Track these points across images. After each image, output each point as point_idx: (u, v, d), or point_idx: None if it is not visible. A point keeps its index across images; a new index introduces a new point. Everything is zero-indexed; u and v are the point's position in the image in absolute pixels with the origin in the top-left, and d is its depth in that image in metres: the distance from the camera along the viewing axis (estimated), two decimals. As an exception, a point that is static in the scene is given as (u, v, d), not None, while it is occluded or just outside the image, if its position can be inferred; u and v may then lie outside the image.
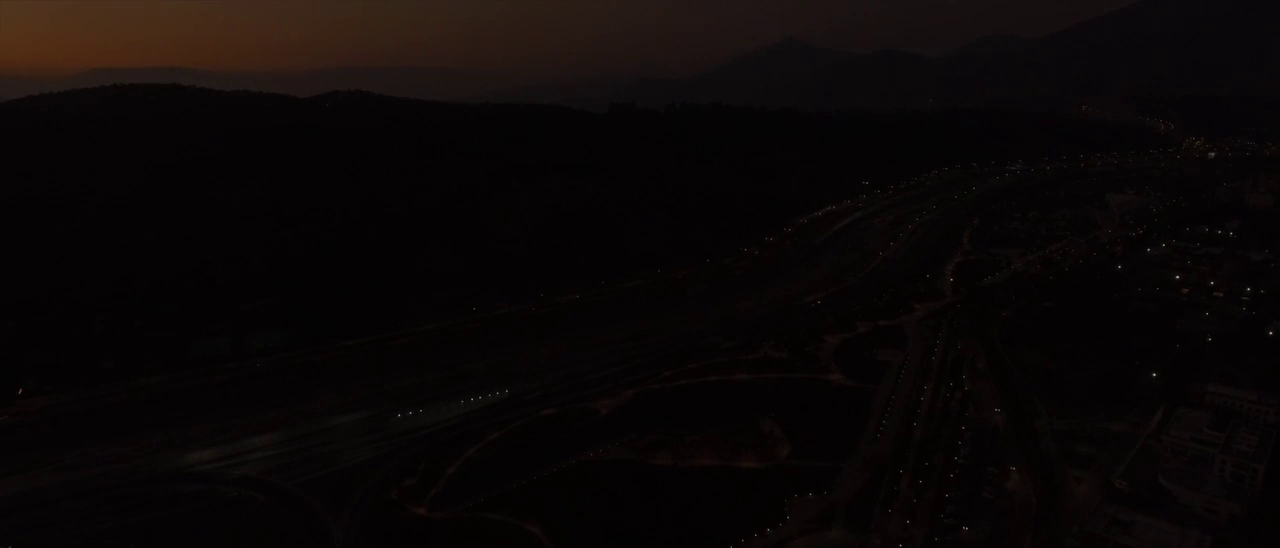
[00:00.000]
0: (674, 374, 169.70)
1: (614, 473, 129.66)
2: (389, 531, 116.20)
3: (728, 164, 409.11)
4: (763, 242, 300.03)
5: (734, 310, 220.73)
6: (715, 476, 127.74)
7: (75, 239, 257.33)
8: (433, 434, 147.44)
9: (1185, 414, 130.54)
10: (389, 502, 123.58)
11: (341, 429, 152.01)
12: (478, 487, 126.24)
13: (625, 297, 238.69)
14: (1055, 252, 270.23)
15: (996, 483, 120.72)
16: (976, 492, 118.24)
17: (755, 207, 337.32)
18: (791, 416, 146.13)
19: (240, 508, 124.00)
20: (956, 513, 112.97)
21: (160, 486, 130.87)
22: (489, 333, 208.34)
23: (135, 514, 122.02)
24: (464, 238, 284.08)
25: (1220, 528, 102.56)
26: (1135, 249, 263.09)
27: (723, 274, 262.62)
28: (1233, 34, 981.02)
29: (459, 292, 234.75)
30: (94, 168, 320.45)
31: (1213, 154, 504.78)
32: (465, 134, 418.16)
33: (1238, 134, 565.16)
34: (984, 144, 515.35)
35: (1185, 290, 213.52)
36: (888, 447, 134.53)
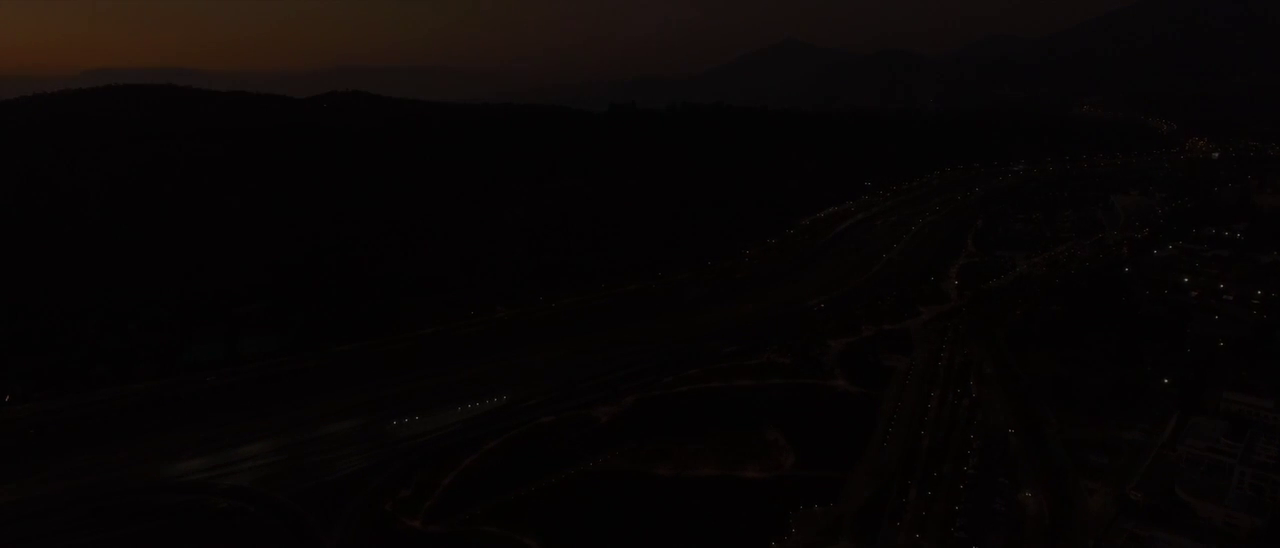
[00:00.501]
0: (675, 380, 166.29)
1: (614, 483, 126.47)
2: (383, 545, 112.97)
3: (729, 165, 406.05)
4: (764, 244, 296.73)
5: (736, 314, 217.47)
6: (717, 486, 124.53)
7: (69, 241, 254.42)
8: (429, 443, 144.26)
9: (1200, 422, 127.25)
10: (383, 514, 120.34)
11: (336, 437, 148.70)
12: (474, 498, 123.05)
13: (625, 300, 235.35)
14: (1060, 253, 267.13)
15: (1007, 494, 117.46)
16: (987, 504, 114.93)
17: (756, 208, 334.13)
18: (796, 423, 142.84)
19: (230, 520, 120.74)
20: (967, 526, 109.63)
21: (149, 496, 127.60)
22: (487, 337, 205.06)
23: (123, 527, 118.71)
24: (462, 240, 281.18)
25: (1241, 543, 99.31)
26: (1141, 251, 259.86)
27: (724, 277, 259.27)
28: (1234, 33, 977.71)
29: (456, 295, 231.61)
30: (89, 170, 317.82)
31: (1217, 154, 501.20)
32: (464, 134, 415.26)
33: (1241, 134, 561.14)
34: (986, 144, 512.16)
35: (1194, 293, 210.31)
36: (895, 456, 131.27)
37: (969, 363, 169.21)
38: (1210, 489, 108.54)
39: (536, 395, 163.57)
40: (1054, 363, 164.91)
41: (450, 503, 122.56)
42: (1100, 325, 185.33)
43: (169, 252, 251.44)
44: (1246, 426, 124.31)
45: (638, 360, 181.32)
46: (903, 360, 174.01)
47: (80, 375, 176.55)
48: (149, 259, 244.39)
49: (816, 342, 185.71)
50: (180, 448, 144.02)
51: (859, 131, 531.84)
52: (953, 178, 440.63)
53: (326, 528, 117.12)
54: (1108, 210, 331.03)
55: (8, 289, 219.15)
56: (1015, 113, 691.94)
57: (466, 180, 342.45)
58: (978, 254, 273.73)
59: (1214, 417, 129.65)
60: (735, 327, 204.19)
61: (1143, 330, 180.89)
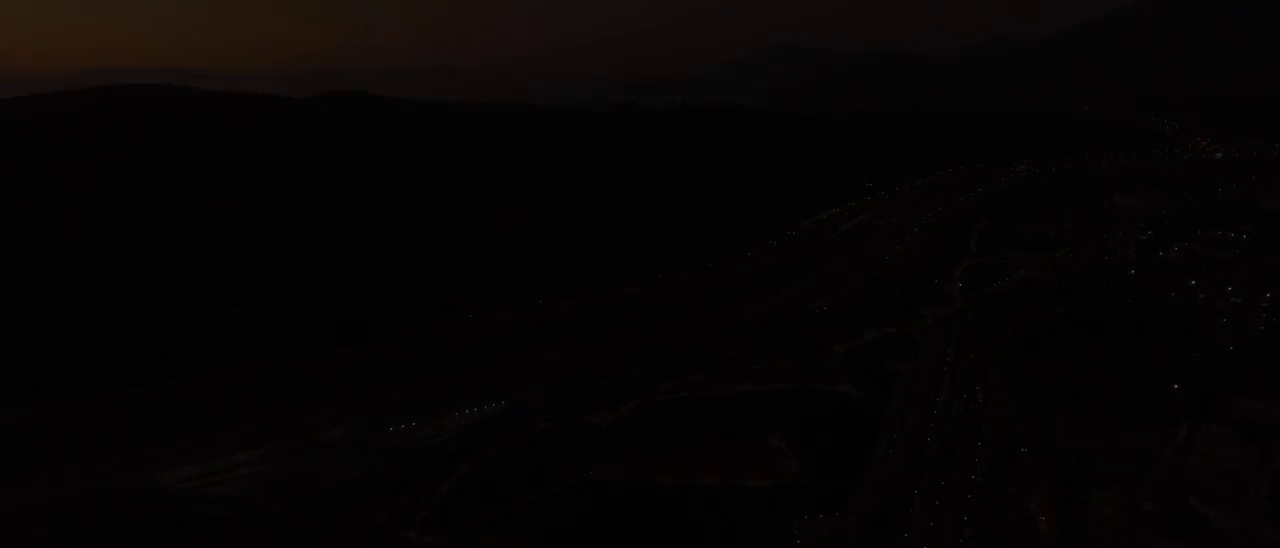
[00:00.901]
0: (676, 385, 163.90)
1: (614, 493, 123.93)
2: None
3: (729, 166, 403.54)
4: (766, 245, 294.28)
5: (737, 317, 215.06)
6: (720, 495, 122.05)
7: (64, 242, 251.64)
8: (425, 450, 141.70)
9: (1212, 429, 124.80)
10: (378, 524, 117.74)
11: (331, 443, 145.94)
12: (472, 508, 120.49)
13: (626, 302, 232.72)
14: (1064, 255, 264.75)
15: (1016, 504, 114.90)
16: (996, 514, 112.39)
17: (757, 209, 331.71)
18: (799, 430, 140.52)
19: (221, 531, 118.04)
20: (975, 538, 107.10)
21: (137, 507, 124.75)
22: (486, 341, 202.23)
23: (110, 538, 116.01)
24: (461, 242, 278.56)
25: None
26: (1146, 253, 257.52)
27: (725, 279, 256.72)
28: (1237, 33, 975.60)
29: (456, 298, 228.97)
30: (85, 170, 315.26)
31: (1220, 155, 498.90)
32: (464, 134, 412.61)
33: (1245, 134, 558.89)
34: (988, 145, 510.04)
35: (1201, 296, 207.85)
36: (900, 464, 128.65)
37: (975, 368, 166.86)
38: (1226, 500, 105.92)
39: (535, 401, 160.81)
40: (1061, 367, 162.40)
41: (447, 513, 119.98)
42: (1107, 329, 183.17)
43: (164, 253, 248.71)
44: (1261, 432, 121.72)
45: (638, 365, 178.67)
46: (907, 365, 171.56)
47: (70, 379, 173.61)
48: (143, 261, 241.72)
49: (820, 345, 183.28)
50: (172, 455, 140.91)
51: (859, 132, 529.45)
52: (955, 178, 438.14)
53: (320, 539, 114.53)
54: (1111, 212, 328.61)
55: (2, 291, 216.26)
56: (1017, 113, 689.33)
57: (466, 181, 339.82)
58: (981, 256, 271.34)
59: (1226, 423, 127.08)
60: (737, 330, 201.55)
61: (1150, 334, 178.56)
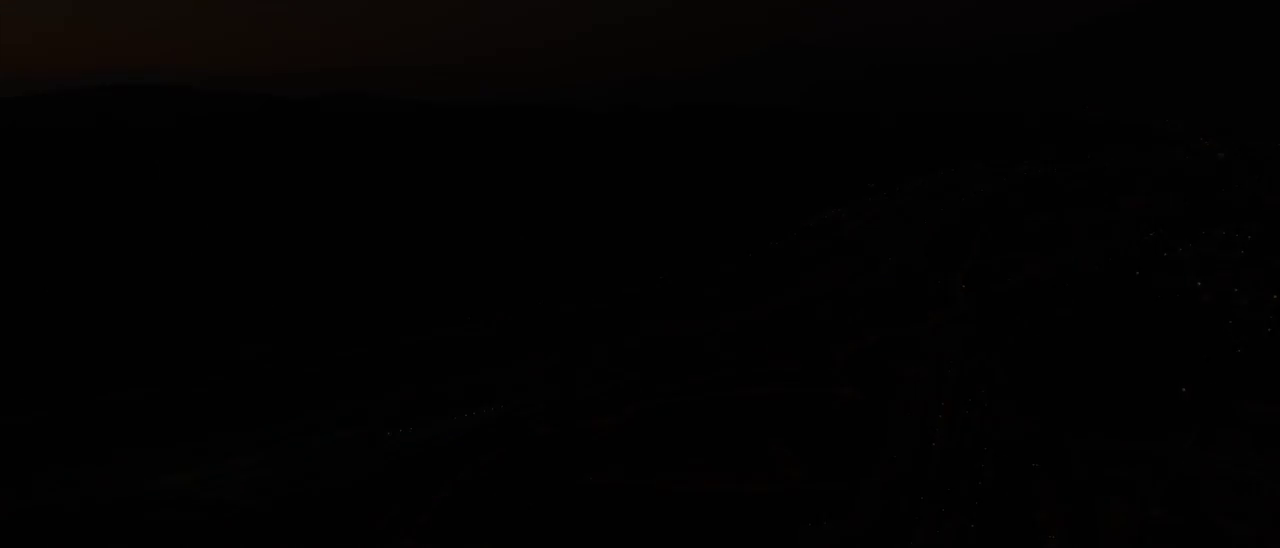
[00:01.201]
0: (676, 389, 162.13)
1: (613, 498, 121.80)
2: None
3: (730, 166, 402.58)
4: (767, 247, 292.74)
5: (738, 319, 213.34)
6: (722, 501, 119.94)
7: (59, 243, 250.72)
8: (424, 455, 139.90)
9: (1222, 434, 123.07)
10: (375, 530, 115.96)
11: (329, 448, 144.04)
12: (470, 514, 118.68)
13: (625, 305, 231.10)
14: (1068, 256, 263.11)
15: (1023, 511, 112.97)
16: (1003, 521, 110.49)
17: (759, 210, 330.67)
18: (802, 434, 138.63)
19: (216, 536, 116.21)
20: (982, 545, 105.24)
21: (130, 512, 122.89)
22: (484, 344, 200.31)
23: (102, 543, 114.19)
24: (461, 242, 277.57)
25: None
26: (1150, 253, 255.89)
27: (726, 281, 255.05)
28: (1240, 34, 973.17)
29: (455, 299, 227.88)
30: (82, 169, 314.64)
31: (1222, 155, 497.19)
32: (463, 134, 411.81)
33: (1248, 134, 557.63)
34: (990, 145, 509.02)
35: (1207, 298, 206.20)
36: (906, 470, 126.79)
37: (979, 370, 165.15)
38: (1239, 507, 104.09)
39: (534, 405, 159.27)
40: (1066, 370, 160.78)
41: (445, 519, 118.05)
42: (1112, 331, 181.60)
43: (163, 254, 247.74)
44: (1273, 437, 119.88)
45: (637, 367, 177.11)
46: (911, 367, 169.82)
47: (69, 382, 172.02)
48: (141, 262, 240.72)
49: (822, 348, 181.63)
50: (167, 459, 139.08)
51: (862, 132, 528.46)
52: (957, 178, 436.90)
53: (316, 544, 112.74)
54: (1115, 212, 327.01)
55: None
56: (1019, 113, 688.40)
57: (465, 181, 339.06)
58: (984, 257, 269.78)
59: (1236, 428, 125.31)
60: (738, 333, 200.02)
61: (1157, 336, 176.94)
